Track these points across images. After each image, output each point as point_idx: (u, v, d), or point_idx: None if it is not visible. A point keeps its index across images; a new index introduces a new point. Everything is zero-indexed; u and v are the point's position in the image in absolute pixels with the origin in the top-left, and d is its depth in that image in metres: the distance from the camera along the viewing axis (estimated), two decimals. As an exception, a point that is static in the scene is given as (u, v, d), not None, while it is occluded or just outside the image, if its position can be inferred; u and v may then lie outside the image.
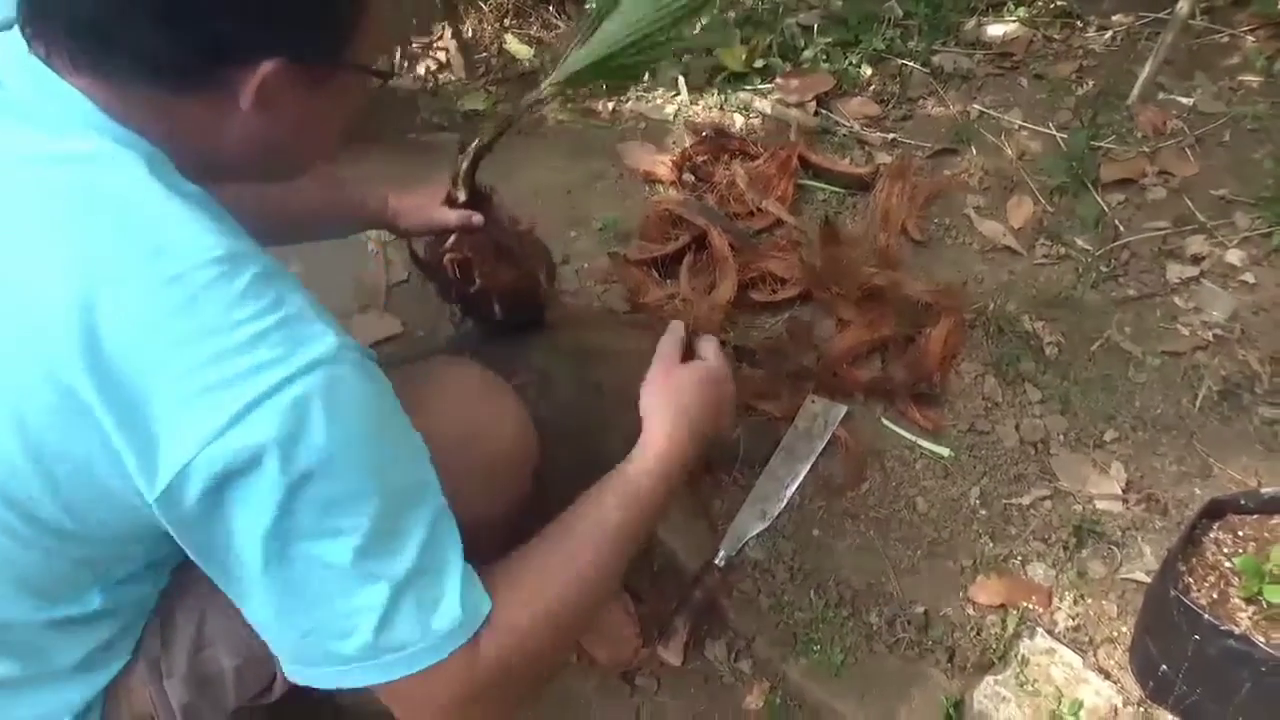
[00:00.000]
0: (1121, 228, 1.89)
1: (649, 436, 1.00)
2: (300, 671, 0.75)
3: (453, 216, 1.26)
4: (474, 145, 1.25)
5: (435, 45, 2.53)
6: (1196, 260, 1.82)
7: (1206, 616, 1.11)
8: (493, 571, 0.80)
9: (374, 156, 2.19)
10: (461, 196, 1.26)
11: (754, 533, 1.45)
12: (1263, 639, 1.09)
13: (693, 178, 2.07)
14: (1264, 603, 1.13)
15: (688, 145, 2.13)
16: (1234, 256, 1.81)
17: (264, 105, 0.71)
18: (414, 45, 2.42)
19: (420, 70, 2.49)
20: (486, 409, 0.99)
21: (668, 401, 1.03)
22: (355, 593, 0.70)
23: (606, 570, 0.88)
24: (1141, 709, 1.24)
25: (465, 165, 1.26)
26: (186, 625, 0.90)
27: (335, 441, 0.66)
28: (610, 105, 2.36)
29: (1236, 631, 1.09)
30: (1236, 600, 1.16)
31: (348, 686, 0.73)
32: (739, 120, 2.25)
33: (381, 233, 1.72)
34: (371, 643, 0.71)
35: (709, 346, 1.12)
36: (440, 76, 2.50)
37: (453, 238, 1.27)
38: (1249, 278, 1.77)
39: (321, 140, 0.82)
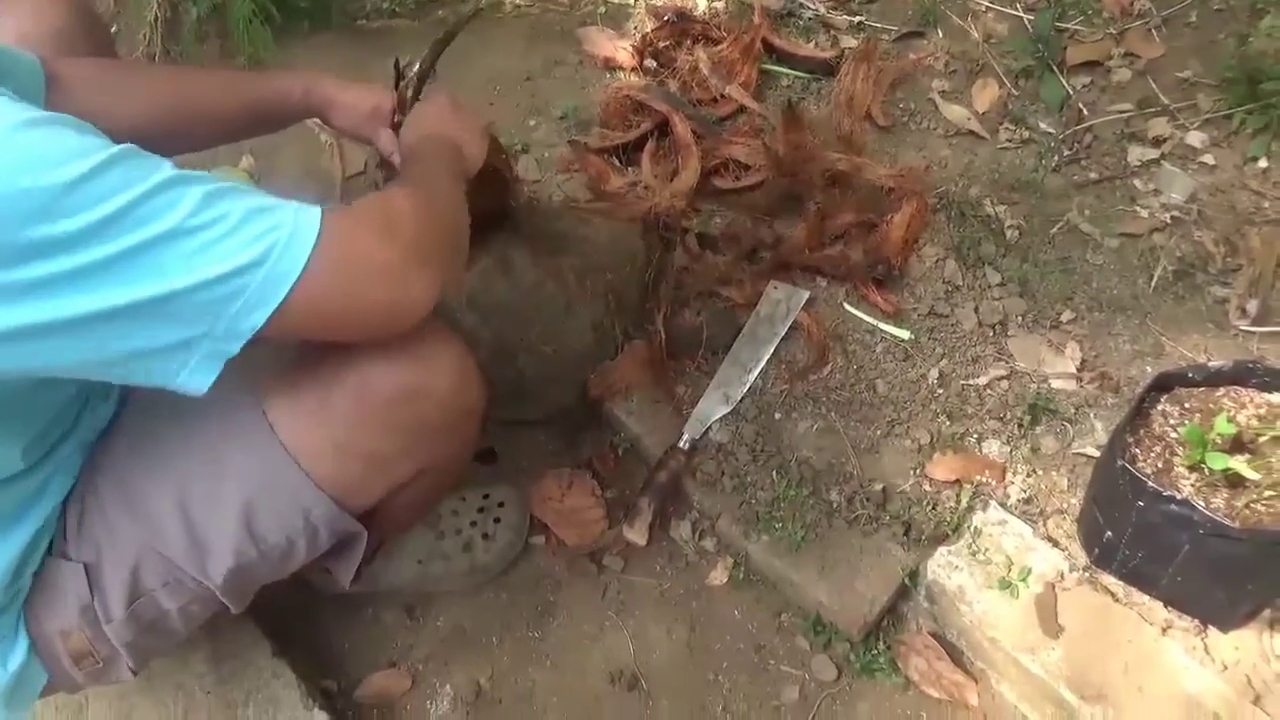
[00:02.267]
0: (1085, 111, 1.88)
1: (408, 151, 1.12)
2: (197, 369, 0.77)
3: (385, 141, 1.23)
4: (417, 69, 1.21)
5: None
6: (1158, 143, 1.82)
7: (1150, 483, 1.15)
8: None
9: (324, 42, 2.11)
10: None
11: (717, 416, 1.47)
12: (1203, 503, 1.13)
13: (654, 63, 2.01)
14: (1205, 469, 1.17)
15: (649, 30, 2.07)
16: (1195, 138, 1.81)
17: None
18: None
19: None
20: (429, 359, 0.96)
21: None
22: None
23: (434, 195, 0.96)
24: (1087, 574, 1.29)
25: (410, 93, 1.23)
26: (116, 573, 0.92)
27: None
28: (569, -12, 2.27)
29: (1178, 497, 1.13)
30: (1180, 469, 1.20)
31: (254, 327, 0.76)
32: (701, 3, 2.18)
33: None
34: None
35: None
36: (391, -41, 2.39)
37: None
38: (1208, 159, 1.78)
39: None
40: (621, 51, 2.03)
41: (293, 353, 0.94)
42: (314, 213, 0.78)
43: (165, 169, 0.73)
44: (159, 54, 2.01)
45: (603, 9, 2.21)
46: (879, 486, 1.40)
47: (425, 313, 0.87)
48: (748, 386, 1.50)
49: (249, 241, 0.73)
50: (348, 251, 0.80)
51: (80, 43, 1.15)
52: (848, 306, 1.60)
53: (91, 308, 0.69)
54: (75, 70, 1.07)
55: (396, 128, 1.23)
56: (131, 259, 0.70)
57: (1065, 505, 1.37)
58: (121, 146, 0.72)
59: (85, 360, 0.73)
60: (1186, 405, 1.26)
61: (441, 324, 0.97)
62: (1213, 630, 1.22)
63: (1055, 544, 1.33)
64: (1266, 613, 1.21)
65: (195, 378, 0.76)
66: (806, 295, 1.59)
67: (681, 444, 1.43)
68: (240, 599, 1.00)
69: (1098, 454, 1.39)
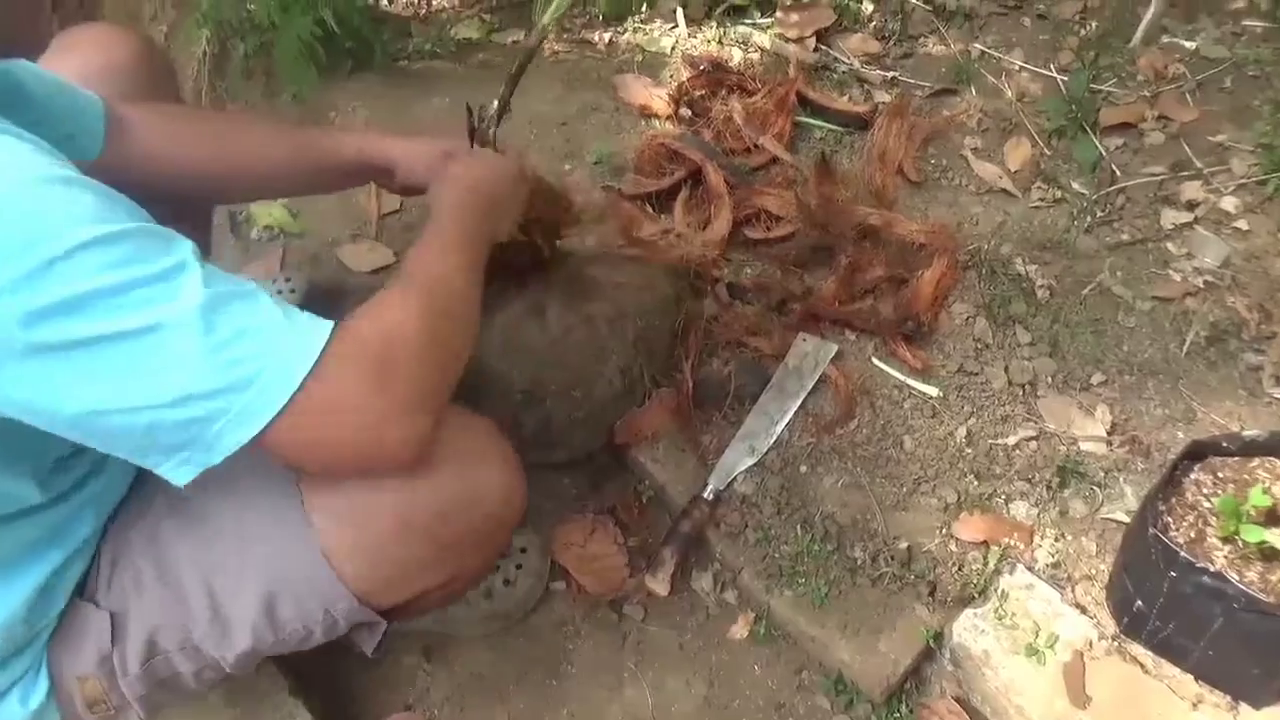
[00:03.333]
0: (1118, 172, 1.89)
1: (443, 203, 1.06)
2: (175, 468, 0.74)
3: None
4: (492, 110, 1.23)
5: (428, -32, 2.47)
6: (1191, 206, 1.82)
7: (1183, 554, 1.13)
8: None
9: (366, 81, 2.15)
10: None
11: (743, 467, 1.46)
12: (1237, 576, 1.12)
13: (689, 112, 2.04)
14: (1240, 542, 1.16)
15: (685, 79, 2.10)
16: (1229, 203, 1.81)
17: None
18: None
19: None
20: (477, 472, 0.92)
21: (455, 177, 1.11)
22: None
23: (443, 292, 0.90)
24: (1116, 643, 1.27)
25: (491, 132, 1.25)
26: (138, 629, 0.91)
27: None
28: (607, 37, 2.31)
29: (1212, 569, 1.12)
30: (1213, 540, 1.18)
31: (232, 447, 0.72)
32: (737, 55, 2.22)
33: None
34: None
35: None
36: (433, 3, 2.45)
37: None
38: (1242, 225, 1.77)
39: None
40: (657, 100, 2.05)
41: None
42: (311, 342, 0.74)
43: (175, 254, 0.70)
44: (205, 89, 2.05)
45: (640, 57, 2.24)
46: (904, 545, 1.39)
47: (412, 458, 0.83)
48: (774, 438, 1.50)
49: (235, 363, 0.70)
50: (335, 394, 0.75)
51: (144, 82, 1.17)
52: (876, 361, 1.60)
53: (73, 394, 0.67)
54: (137, 113, 1.10)
55: None
56: (115, 346, 0.67)
57: (1094, 571, 1.35)
58: (140, 224, 0.70)
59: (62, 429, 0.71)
60: (1220, 475, 1.25)
61: (491, 427, 0.94)
62: (1244, 707, 1.20)
63: (1084, 611, 1.31)
64: (1301, 691, 1.19)
65: (175, 474, 0.74)
66: (835, 348, 1.59)
67: (706, 494, 1.43)
68: (249, 669, 0.99)
69: (1127, 520, 1.37)
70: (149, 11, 2.19)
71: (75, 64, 1.10)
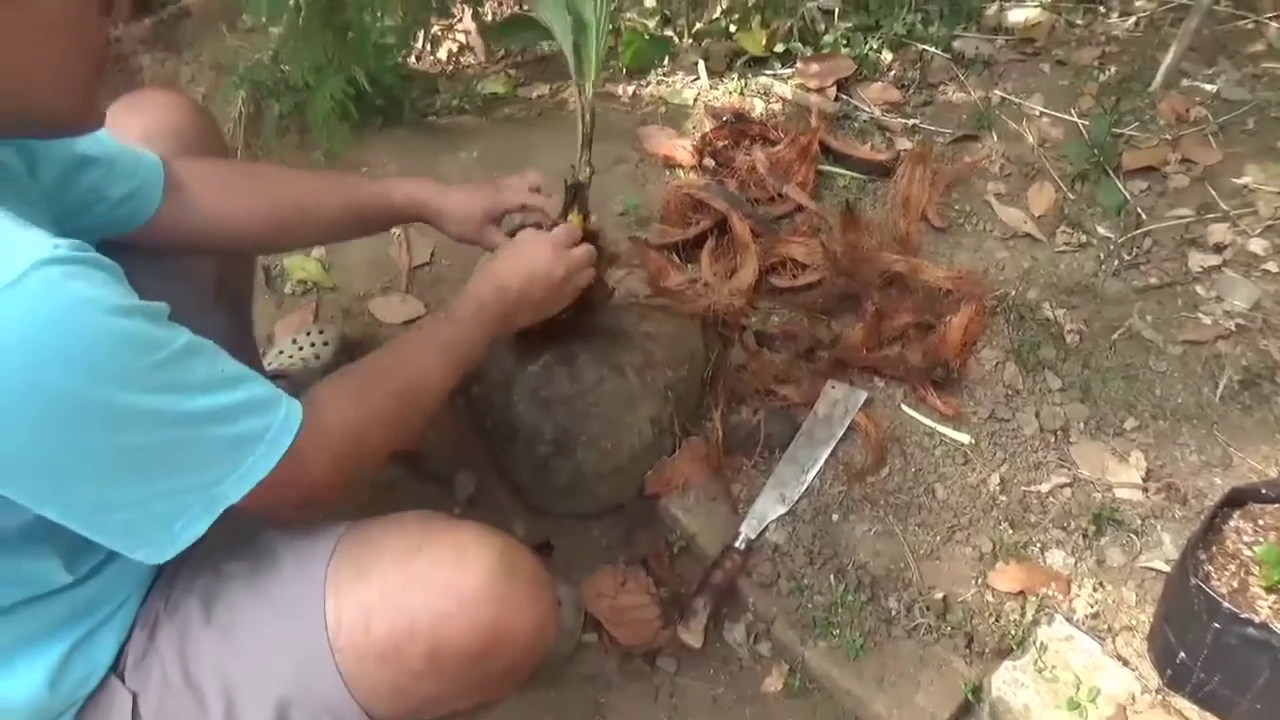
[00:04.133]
0: (1143, 215, 1.89)
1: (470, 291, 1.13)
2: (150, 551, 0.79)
3: (497, 239, 1.29)
4: (585, 175, 1.27)
5: (456, 27, 2.53)
6: (1219, 249, 1.81)
7: (1226, 604, 1.11)
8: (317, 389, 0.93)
9: (396, 136, 2.20)
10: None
11: (774, 516, 1.46)
12: (1283, 627, 1.10)
13: (713, 162, 2.06)
14: (1284, 592, 1.14)
15: (708, 130, 2.13)
16: (1257, 245, 1.81)
17: None
18: (435, 27, 2.41)
19: (441, 53, 2.49)
20: (513, 615, 0.90)
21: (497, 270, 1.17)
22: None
23: (416, 393, 1.01)
24: (1159, 696, 1.25)
25: (580, 212, 1.29)
26: (155, 716, 0.92)
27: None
28: (630, 89, 2.36)
29: (1256, 620, 1.10)
30: (1257, 589, 1.17)
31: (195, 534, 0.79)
32: (759, 105, 2.25)
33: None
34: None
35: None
36: (461, 59, 2.51)
37: None
38: (1271, 266, 1.77)
39: (50, 68, 0.75)
40: (681, 150, 2.08)
41: (363, 547, 0.93)
42: (282, 444, 0.81)
43: (194, 375, 0.77)
44: (241, 146, 2.11)
45: (663, 109, 2.28)
46: (939, 595, 1.37)
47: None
48: (805, 487, 1.49)
49: (215, 462, 0.78)
50: (290, 484, 0.83)
51: (197, 143, 1.22)
52: (906, 408, 1.59)
53: (60, 487, 0.72)
54: (193, 170, 1.15)
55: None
56: (116, 454, 0.73)
57: (1134, 622, 1.33)
58: (176, 344, 0.76)
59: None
60: (1261, 522, 1.23)
61: (531, 562, 0.94)
62: (1295, 762, 1.17)
63: (1125, 663, 1.28)
64: (1353, 746, 1.16)
65: (145, 556, 0.79)
66: (864, 396, 1.59)
67: (737, 544, 1.42)
68: None
69: (1167, 569, 1.35)
70: (186, 75, 2.26)
71: (137, 126, 1.16)
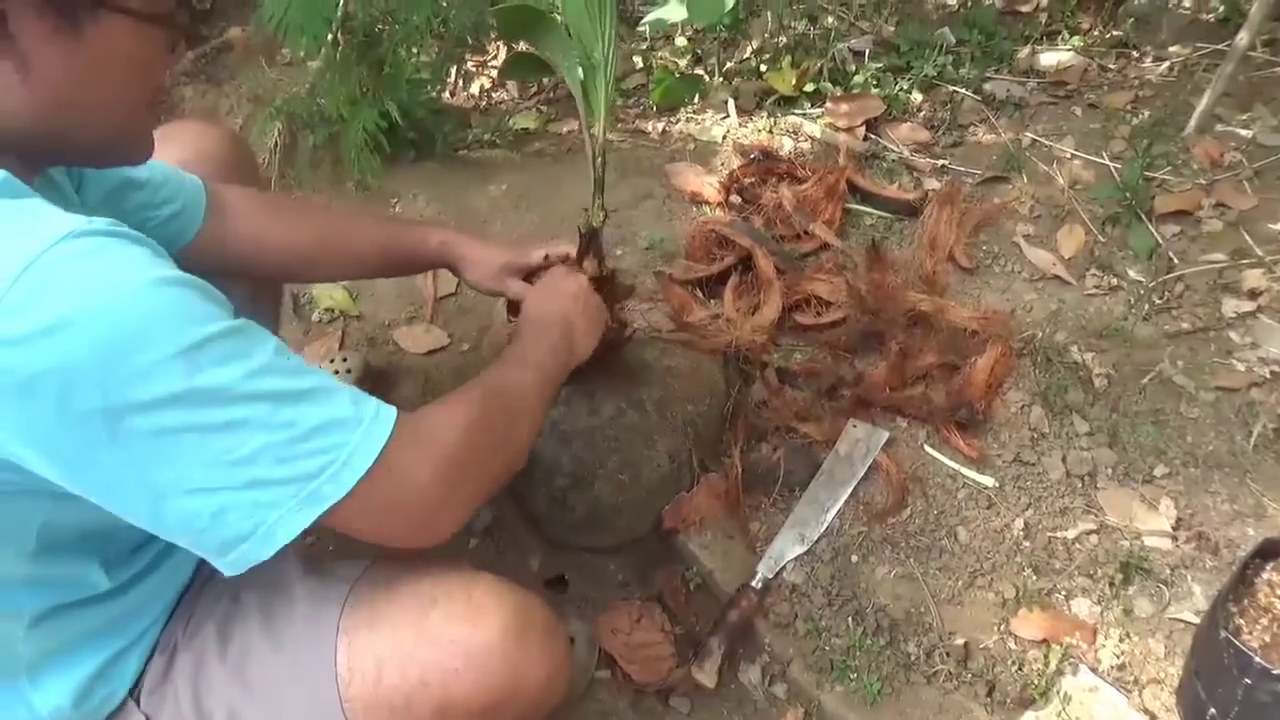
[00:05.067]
0: (1175, 260, 1.86)
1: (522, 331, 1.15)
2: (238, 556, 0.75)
3: (515, 289, 1.31)
4: (599, 220, 1.27)
5: (488, 63, 2.58)
6: (1254, 295, 1.78)
7: (1258, 660, 1.08)
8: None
9: (427, 169, 2.23)
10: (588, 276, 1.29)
11: (792, 556, 1.44)
12: (1317, 685, 1.06)
13: (740, 199, 2.07)
14: (1319, 648, 1.10)
15: (735, 167, 2.14)
16: (1293, 292, 1.77)
17: (23, 62, 0.71)
18: (469, 64, 2.46)
19: (474, 88, 2.54)
20: (524, 668, 0.89)
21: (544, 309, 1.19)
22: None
23: (517, 411, 0.99)
24: (1188, 753, 1.20)
25: (595, 257, 1.30)
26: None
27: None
28: (660, 126, 2.38)
29: (1289, 676, 1.06)
30: (1290, 644, 1.13)
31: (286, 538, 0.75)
32: (788, 143, 2.26)
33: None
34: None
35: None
36: (493, 95, 2.55)
37: None
38: (1308, 314, 1.73)
39: (112, 102, 0.78)
40: (708, 187, 2.09)
41: (379, 593, 0.92)
42: (379, 436, 0.78)
43: (264, 353, 0.74)
44: (275, 177, 2.15)
45: (692, 146, 2.29)
46: (960, 641, 1.34)
47: (447, 539, 0.87)
48: (824, 527, 1.47)
49: (306, 455, 0.74)
50: (396, 490, 0.80)
51: (232, 172, 1.25)
52: (929, 449, 1.57)
53: (152, 476, 0.70)
54: (235, 196, 1.18)
55: (522, 272, 1.32)
56: (203, 436, 0.70)
57: (1162, 674, 1.29)
58: (234, 322, 0.73)
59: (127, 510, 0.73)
60: (1294, 576, 1.19)
61: (546, 615, 0.94)
62: (1332, 828, 1.12)
63: (1152, 717, 1.24)
64: (1393, 812, 1.11)
65: (229, 566, 0.75)
66: (886, 435, 1.57)
67: (755, 583, 1.40)
68: None
69: (1196, 620, 1.31)
70: (225, 107, 2.31)
71: (175, 152, 1.19)
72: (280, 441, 0.72)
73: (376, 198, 2.16)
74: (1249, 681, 1.09)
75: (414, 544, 0.86)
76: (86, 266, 0.67)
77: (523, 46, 1.29)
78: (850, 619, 1.38)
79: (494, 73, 2.55)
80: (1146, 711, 1.25)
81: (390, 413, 0.80)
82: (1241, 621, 1.16)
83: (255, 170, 1.42)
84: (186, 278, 0.73)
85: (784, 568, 1.43)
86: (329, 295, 1.94)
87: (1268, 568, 1.21)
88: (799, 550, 1.45)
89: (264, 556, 0.75)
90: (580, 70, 1.19)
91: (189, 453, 0.70)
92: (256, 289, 1.36)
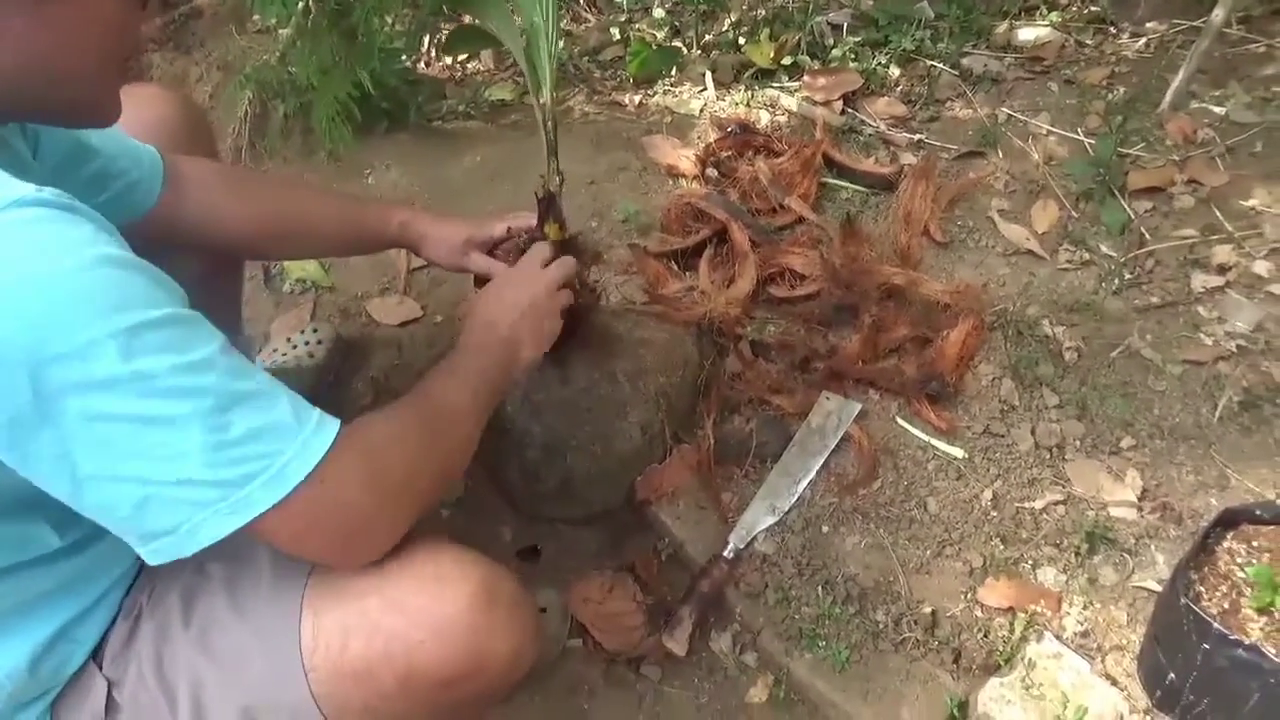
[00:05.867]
0: (1147, 235, 1.88)
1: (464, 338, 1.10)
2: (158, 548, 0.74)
3: (477, 263, 1.30)
4: (556, 184, 1.25)
5: (464, 34, 2.54)
6: (1222, 270, 1.80)
7: (1216, 626, 1.10)
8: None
9: (400, 140, 2.21)
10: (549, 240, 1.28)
11: (763, 526, 1.45)
12: (1273, 650, 1.08)
13: (716, 173, 2.07)
14: (1276, 614, 1.12)
15: (712, 140, 2.14)
16: (1261, 267, 1.79)
17: None
18: (443, 32, 2.43)
19: (449, 59, 2.51)
20: (489, 643, 0.89)
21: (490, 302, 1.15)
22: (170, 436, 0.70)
23: (445, 418, 0.96)
24: (1147, 717, 1.22)
25: (555, 221, 1.27)
26: (129, 708, 0.90)
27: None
28: (637, 99, 2.36)
29: (1247, 642, 1.08)
30: (1248, 611, 1.15)
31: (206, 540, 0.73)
32: (765, 117, 2.25)
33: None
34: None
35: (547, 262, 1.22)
36: (468, 66, 2.52)
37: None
38: (1275, 289, 1.75)
39: (83, 63, 0.77)
40: (684, 160, 2.09)
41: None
42: (317, 448, 0.76)
43: (206, 347, 0.72)
44: (245, 146, 2.12)
45: (669, 119, 2.28)
46: (928, 609, 1.36)
47: (379, 557, 0.86)
48: (796, 497, 1.48)
49: (240, 460, 0.72)
50: (330, 495, 0.78)
51: (184, 137, 1.22)
52: (900, 421, 1.58)
53: (79, 459, 0.68)
54: (193, 169, 1.15)
55: (484, 246, 1.30)
56: (133, 426, 0.68)
57: (1124, 641, 1.31)
58: (179, 310, 0.72)
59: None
60: (1254, 544, 1.21)
61: (515, 589, 0.93)
62: (1285, 789, 1.15)
63: (1114, 683, 1.26)
64: (1345, 773, 1.14)
65: (150, 556, 0.74)
66: (859, 408, 1.58)
67: (726, 553, 1.41)
68: None
69: (1159, 589, 1.33)
70: (194, 74, 2.27)
71: (129, 117, 1.15)
72: (215, 442, 0.71)
73: (348, 168, 2.13)
74: (1207, 647, 1.11)
75: (342, 562, 0.86)
76: (27, 236, 0.65)
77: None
78: (820, 588, 1.39)
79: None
80: (1108, 677, 1.27)
81: (332, 426, 0.79)
82: (1201, 589, 1.18)
83: (212, 140, 1.39)
84: (133, 259, 0.71)
85: (755, 538, 1.44)
86: (300, 267, 1.92)
87: (1228, 536, 1.22)
88: (770, 521, 1.46)
89: (185, 553, 0.73)
90: (523, 38, 1.18)
91: (120, 442, 0.69)
92: (217, 263, 1.34)
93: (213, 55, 2.30)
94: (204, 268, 1.31)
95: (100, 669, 0.91)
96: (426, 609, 0.86)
